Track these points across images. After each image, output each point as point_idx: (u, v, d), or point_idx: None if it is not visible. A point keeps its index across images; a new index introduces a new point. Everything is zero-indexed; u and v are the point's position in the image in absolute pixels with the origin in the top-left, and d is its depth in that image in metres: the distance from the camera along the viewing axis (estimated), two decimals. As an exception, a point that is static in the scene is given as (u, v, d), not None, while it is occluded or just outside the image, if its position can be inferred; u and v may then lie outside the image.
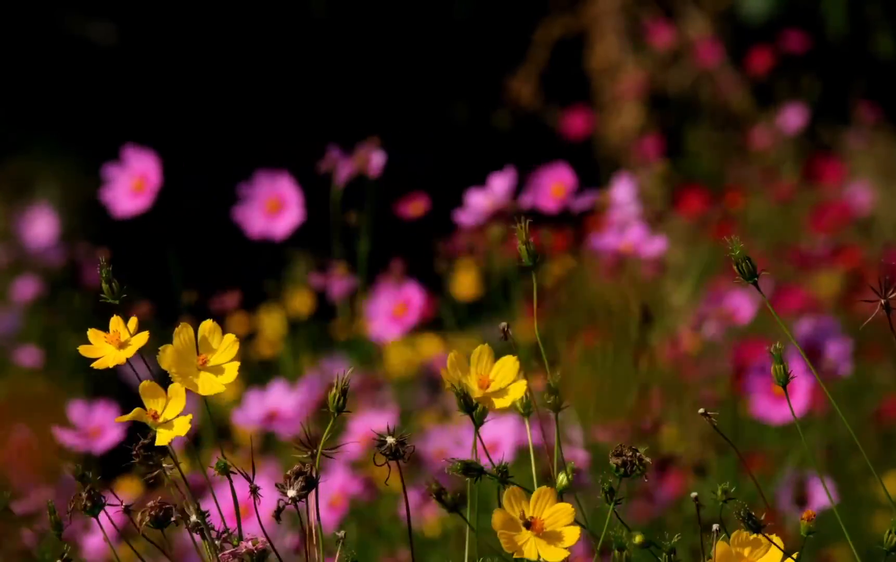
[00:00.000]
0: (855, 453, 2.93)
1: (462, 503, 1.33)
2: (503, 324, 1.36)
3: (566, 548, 1.27)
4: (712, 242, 3.80)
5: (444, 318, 2.57)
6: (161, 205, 2.27)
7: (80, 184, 4.60)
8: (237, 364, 1.34)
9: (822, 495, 2.18)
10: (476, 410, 1.32)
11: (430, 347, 2.78)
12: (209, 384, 1.33)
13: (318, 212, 2.30)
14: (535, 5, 5.05)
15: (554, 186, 2.36)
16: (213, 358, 1.34)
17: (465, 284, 2.69)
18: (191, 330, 1.33)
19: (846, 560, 2.62)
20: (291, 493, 1.31)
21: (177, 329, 1.33)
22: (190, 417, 1.31)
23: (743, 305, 2.55)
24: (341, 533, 1.34)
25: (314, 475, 1.31)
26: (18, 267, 3.71)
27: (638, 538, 1.33)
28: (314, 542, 1.33)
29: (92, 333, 1.34)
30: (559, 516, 1.28)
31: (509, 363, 1.33)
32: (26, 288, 3.50)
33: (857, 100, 4.48)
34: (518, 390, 1.32)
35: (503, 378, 1.32)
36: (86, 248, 3.42)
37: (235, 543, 1.32)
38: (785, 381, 1.33)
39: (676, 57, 4.92)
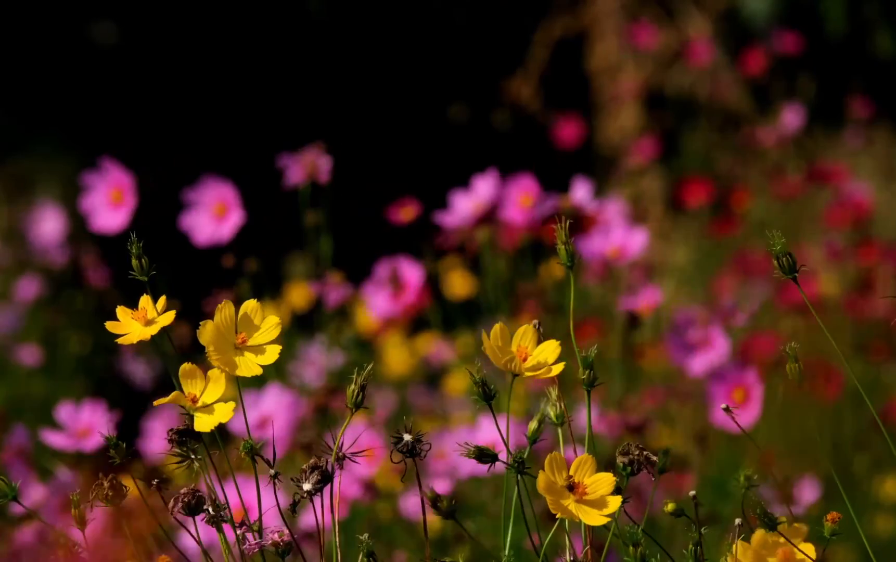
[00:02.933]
0: (859, 452, 2.93)
1: (458, 510, 1.34)
2: (535, 321, 1.38)
3: (607, 515, 1.29)
4: (711, 239, 3.80)
5: (434, 318, 2.57)
6: (149, 213, 2.25)
7: (80, 183, 4.60)
8: (278, 347, 1.31)
9: (810, 492, 2.19)
10: (493, 399, 1.33)
11: (426, 345, 2.78)
12: (247, 365, 1.30)
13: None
14: (535, 6, 5.05)
15: (521, 197, 2.37)
16: (253, 338, 1.31)
17: (457, 284, 2.69)
18: (232, 307, 1.31)
19: (846, 560, 2.62)
20: (307, 486, 1.30)
21: (219, 305, 1.30)
22: (233, 404, 1.29)
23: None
24: (365, 535, 1.34)
25: (330, 469, 1.30)
26: (21, 266, 3.71)
27: (670, 506, 1.34)
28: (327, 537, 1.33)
29: (120, 310, 1.32)
30: (600, 484, 1.30)
31: (552, 346, 1.35)
32: (28, 287, 3.50)
33: (855, 99, 4.47)
34: (557, 368, 1.35)
35: (544, 357, 1.35)
36: (87, 248, 3.42)
37: (253, 532, 1.30)
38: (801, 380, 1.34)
39: (676, 57, 4.91)
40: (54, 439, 2.02)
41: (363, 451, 1.34)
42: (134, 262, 1.32)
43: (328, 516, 2.03)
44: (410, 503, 2.17)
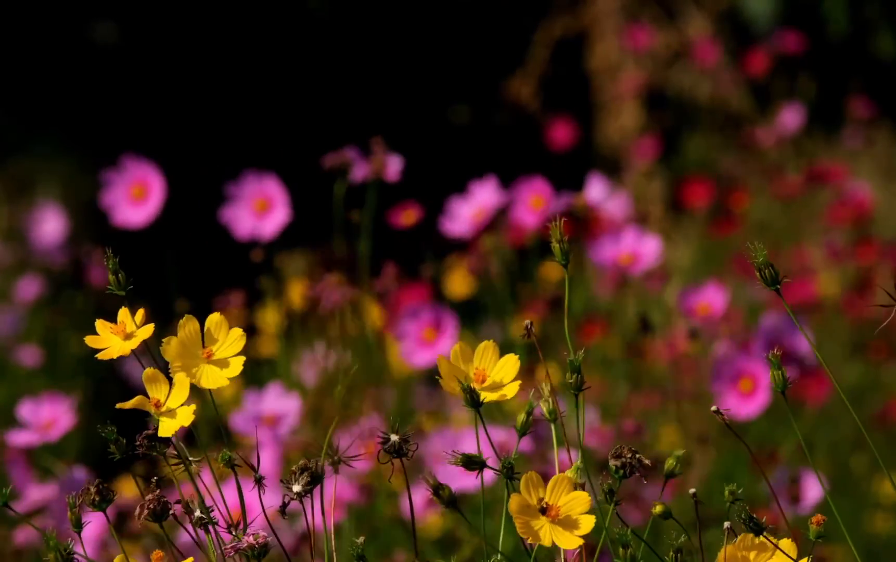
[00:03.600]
0: (857, 452, 2.93)
1: (459, 501, 1.32)
2: (527, 321, 1.36)
3: (581, 536, 1.27)
4: (711, 239, 3.79)
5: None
6: (162, 209, 2.26)
7: (81, 184, 4.60)
8: (243, 359, 1.32)
9: (814, 491, 2.19)
10: (481, 406, 1.31)
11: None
12: (213, 378, 1.31)
13: (318, 211, 2.29)
14: (535, 6, 5.05)
15: (533, 199, 2.37)
16: (218, 351, 1.32)
17: (458, 284, 2.70)
18: (196, 322, 1.32)
19: (846, 559, 2.62)
20: (297, 488, 1.30)
21: (181, 321, 1.32)
22: (193, 407, 1.29)
23: (716, 299, 2.57)
24: (360, 539, 1.34)
25: (320, 471, 1.30)
26: (21, 267, 3.71)
27: (659, 508, 1.32)
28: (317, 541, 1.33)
29: (99, 324, 1.33)
30: (575, 504, 1.28)
31: (511, 362, 1.33)
32: (29, 288, 3.51)
33: (856, 100, 4.47)
34: (512, 390, 1.32)
35: (502, 375, 1.33)
36: (90, 248, 3.42)
37: (240, 537, 1.30)
38: (783, 387, 1.34)
39: (676, 57, 4.91)
40: (19, 438, 2.02)
41: (357, 455, 1.33)
42: (111, 277, 1.33)
43: (320, 518, 2.03)
44: (408, 504, 2.17)
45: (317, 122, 5.18)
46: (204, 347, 1.32)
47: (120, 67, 5.13)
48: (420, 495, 2.16)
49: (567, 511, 1.27)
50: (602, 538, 1.31)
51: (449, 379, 1.32)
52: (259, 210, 2.26)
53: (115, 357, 1.32)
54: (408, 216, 2.34)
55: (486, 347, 1.33)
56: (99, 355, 1.32)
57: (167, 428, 1.29)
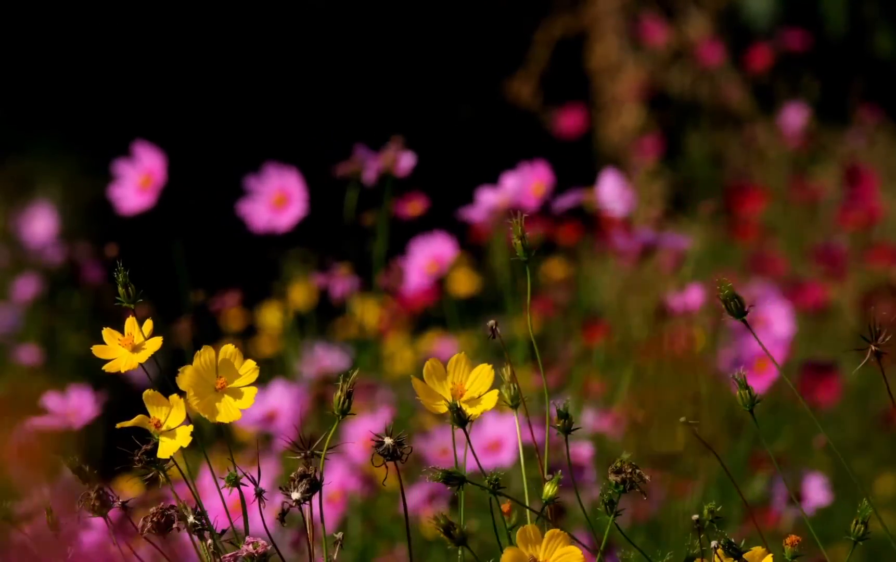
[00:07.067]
0: (860, 453, 2.93)
1: (470, 537, 1.31)
2: (491, 322, 1.35)
3: None
4: (714, 238, 3.79)
5: (444, 315, 2.57)
6: (166, 202, 2.26)
7: (81, 183, 4.60)
8: (255, 390, 1.32)
9: (817, 494, 2.19)
10: (468, 424, 1.30)
11: (430, 343, 2.78)
12: (227, 410, 1.31)
13: (323, 209, 2.29)
14: (535, 6, 5.05)
15: (534, 185, 2.38)
16: (233, 382, 1.32)
17: (461, 281, 2.69)
18: (212, 352, 1.31)
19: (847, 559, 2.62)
20: (296, 495, 1.30)
21: (198, 351, 1.31)
22: (191, 427, 1.29)
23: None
24: (339, 534, 1.34)
25: (318, 478, 1.30)
26: (18, 266, 3.71)
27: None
28: (316, 540, 1.32)
29: (106, 333, 1.31)
30: (569, 558, 1.27)
31: (485, 372, 1.32)
32: (26, 287, 3.50)
33: (857, 99, 4.47)
34: (490, 401, 1.32)
35: (478, 387, 1.32)
36: (86, 247, 3.42)
37: (239, 544, 1.30)
38: (751, 405, 1.33)
39: (677, 57, 4.92)
40: (41, 422, 2.02)
41: (338, 444, 1.33)
42: (120, 290, 1.32)
43: (326, 513, 2.02)
44: (411, 501, 2.17)
45: (320, 122, 5.18)
46: (218, 376, 1.31)
47: (120, 65, 5.13)
48: (419, 493, 2.16)
49: None
50: (607, 532, 1.31)
51: (426, 397, 1.31)
52: (277, 204, 2.27)
53: (122, 371, 1.30)
54: (414, 207, 2.34)
55: (459, 360, 1.32)
56: (105, 367, 1.31)
57: (166, 449, 1.29)
